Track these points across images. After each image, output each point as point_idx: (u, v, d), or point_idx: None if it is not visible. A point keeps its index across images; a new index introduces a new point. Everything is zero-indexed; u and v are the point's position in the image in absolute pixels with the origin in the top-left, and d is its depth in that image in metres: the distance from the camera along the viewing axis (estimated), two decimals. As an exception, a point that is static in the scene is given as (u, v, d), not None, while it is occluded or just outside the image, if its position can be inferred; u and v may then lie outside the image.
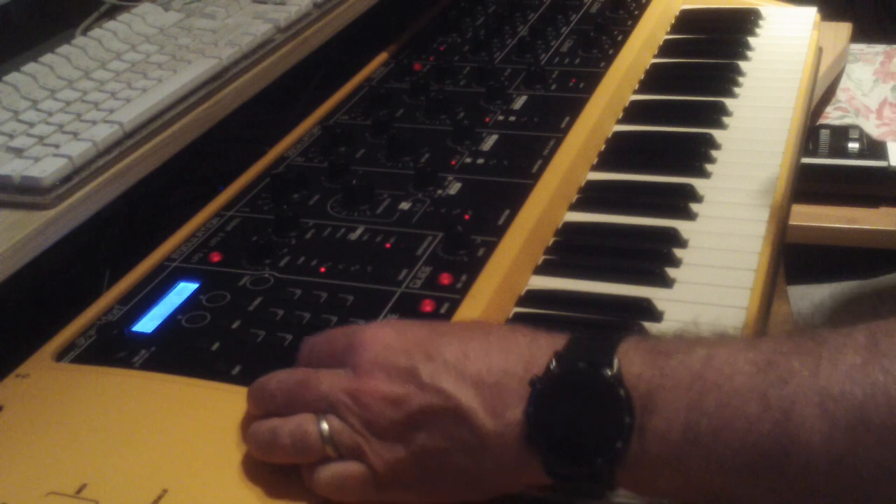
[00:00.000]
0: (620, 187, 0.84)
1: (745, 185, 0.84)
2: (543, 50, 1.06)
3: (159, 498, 0.51)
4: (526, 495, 0.53)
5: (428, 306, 0.65)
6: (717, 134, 0.92)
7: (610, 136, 0.93)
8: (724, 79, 1.02)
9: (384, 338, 0.53)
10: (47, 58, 0.86)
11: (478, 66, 1.01)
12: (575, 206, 0.82)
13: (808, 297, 1.28)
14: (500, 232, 0.73)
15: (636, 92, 1.02)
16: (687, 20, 1.19)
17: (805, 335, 0.48)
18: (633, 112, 0.97)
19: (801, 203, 1.27)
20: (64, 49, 0.88)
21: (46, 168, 0.71)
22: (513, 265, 0.70)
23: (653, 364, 0.48)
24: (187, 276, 0.71)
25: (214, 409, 0.58)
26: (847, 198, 1.28)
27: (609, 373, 0.48)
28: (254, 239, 0.73)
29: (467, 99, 0.96)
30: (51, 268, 0.62)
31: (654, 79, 1.04)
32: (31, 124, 0.77)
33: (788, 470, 0.45)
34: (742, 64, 1.06)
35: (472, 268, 0.69)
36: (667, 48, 1.12)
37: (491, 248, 0.71)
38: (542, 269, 0.74)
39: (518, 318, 0.69)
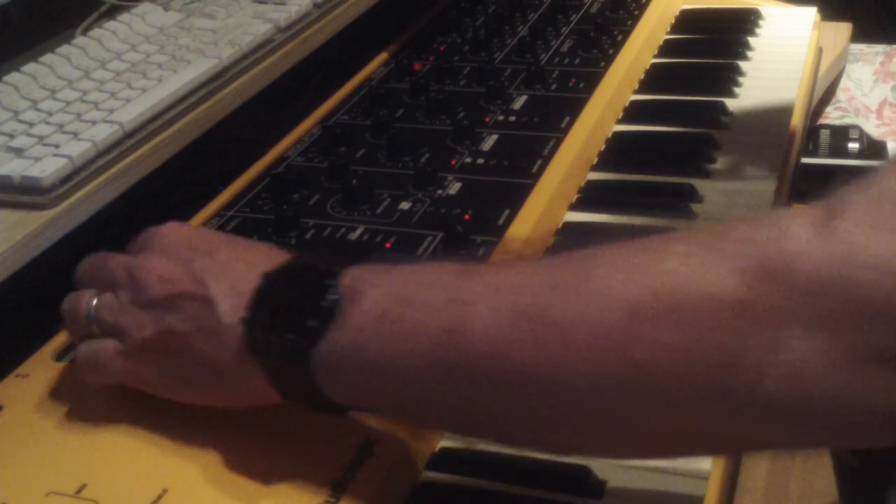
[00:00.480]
0: (620, 187, 0.84)
1: (745, 186, 0.84)
2: (543, 50, 1.06)
3: (159, 498, 0.51)
4: (525, 495, 0.53)
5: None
6: (717, 134, 0.92)
7: (610, 136, 0.93)
8: (724, 79, 1.02)
9: (178, 229, 0.58)
10: (47, 58, 0.86)
11: (478, 66, 1.01)
12: (575, 206, 0.82)
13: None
14: (500, 232, 0.73)
15: (636, 92, 1.02)
16: (687, 20, 1.19)
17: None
18: (633, 112, 0.97)
19: (802, 203, 1.27)
20: (64, 49, 0.88)
21: (46, 168, 0.71)
22: (513, 265, 0.70)
23: (375, 269, 0.51)
24: (187, 276, 0.71)
25: (214, 409, 0.58)
26: (847, 198, 1.27)
27: (324, 267, 0.51)
28: (254, 239, 0.73)
29: (467, 99, 0.96)
30: (51, 268, 0.62)
31: (654, 79, 1.04)
32: (31, 124, 0.77)
33: (457, 357, 0.46)
34: (742, 64, 1.06)
35: (472, 268, 0.69)
36: (667, 48, 1.12)
37: (491, 248, 0.71)
38: (542, 269, 0.74)
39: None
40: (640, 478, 0.55)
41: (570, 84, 0.98)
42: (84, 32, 0.94)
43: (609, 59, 1.02)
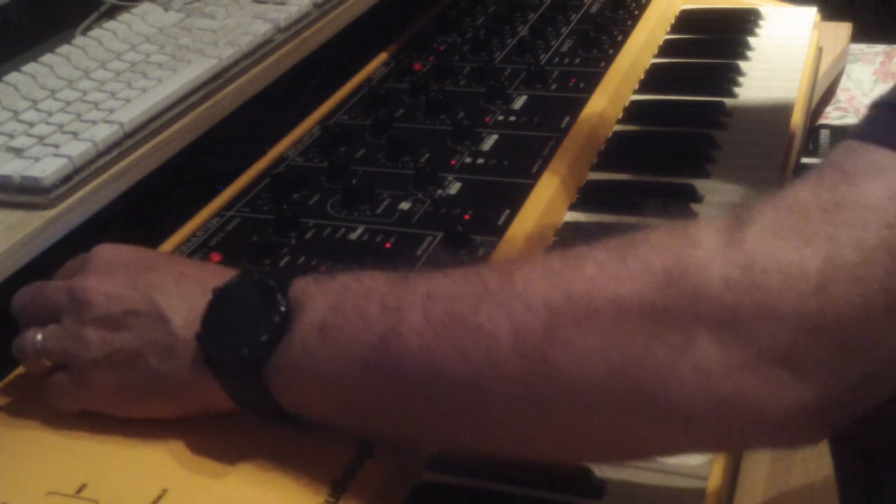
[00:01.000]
0: (620, 187, 0.84)
1: (745, 186, 0.84)
2: (543, 50, 1.06)
3: (159, 498, 0.51)
4: (525, 495, 0.53)
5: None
6: (717, 134, 0.92)
7: (610, 136, 0.93)
8: (724, 79, 1.02)
9: (113, 249, 0.58)
10: (47, 58, 0.86)
11: (478, 66, 1.01)
12: (575, 206, 0.82)
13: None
14: (500, 232, 0.73)
15: (636, 92, 1.02)
16: (687, 20, 1.19)
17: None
18: (633, 112, 0.97)
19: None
20: (64, 49, 0.88)
21: (46, 168, 0.71)
22: (513, 265, 0.70)
23: (318, 280, 0.53)
24: (187, 276, 0.71)
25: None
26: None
27: (273, 282, 0.52)
28: (254, 239, 0.73)
29: (467, 99, 0.96)
30: (51, 268, 0.62)
31: (654, 79, 1.04)
32: (31, 124, 0.77)
33: (390, 363, 0.48)
34: (742, 64, 1.06)
35: (472, 268, 0.69)
36: (667, 48, 1.12)
37: (491, 248, 0.71)
38: (542, 269, 0.74)
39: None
40: (640, 478, 0.55)
41: (570, 84, 0.98)
42: (84, 32, 0.94)
43: (609, 59, 1.02)
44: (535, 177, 0.81)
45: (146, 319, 0.54)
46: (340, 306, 0.50)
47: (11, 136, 0.76)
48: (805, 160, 1.00)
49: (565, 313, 0.44)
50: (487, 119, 0.92)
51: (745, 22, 1.16)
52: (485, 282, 0.47)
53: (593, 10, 1.16)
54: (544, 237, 0.77)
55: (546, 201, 0.78)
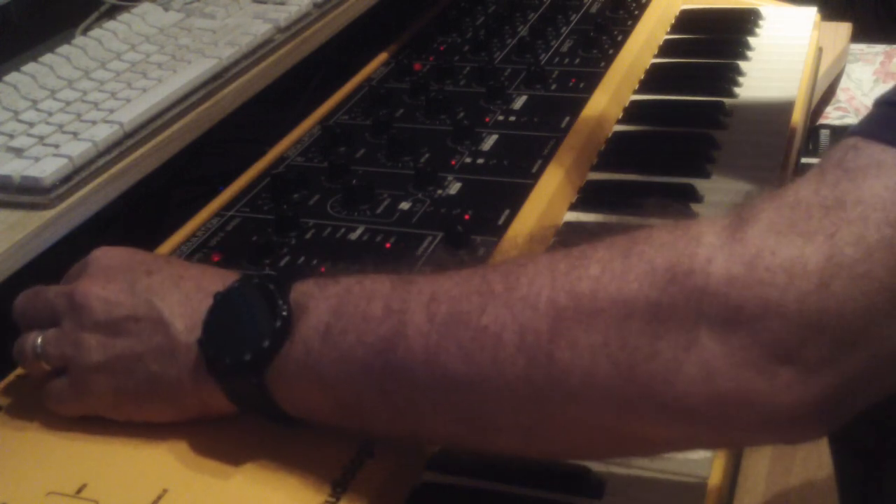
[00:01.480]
0: (620, 187, 0.84)
1: (745, 186, 0.84)
2: (543, 50, 1.06)
3: (159, 498, 0.51)
4: (525, 495, 0.53)
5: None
6: (717, 134, 0.92)
7: (610, 136, 0.93)
8: (724, 79, 1.02)
9: (111, 252, 0.58)
10: (47, 58, 0.86)
11: (478, 66, 1.01)
12: (575, 206, 0.82)
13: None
14: (500, 232, 0.73)
15: (636, 92, 1.02)
16: (687, 20, 1.19)
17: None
18: (633, 112, 0.97)
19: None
20: (64, 49, 0.88)
21: (46, 168, 0.71)
22: (513, 265, 0.70)
23: (319, 283, 0.53)
24: (187, 276, 0.71)
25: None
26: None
27: (274, 286, 0.52)
28: (254, 239, 0.73)
29: (467, 99, 0.96)
30: (51, 268, 0.62)
31: (654, 79, 1.04)
32: (31, 124, 0.77)
33: (394, 365, 0.48)
34: (742, 64, 1.06)
35: (472, 268, 0.69)
36: (667, 48, 1.12)
37: (491, 248, 0.71)
38: (542, 269, 0.74)
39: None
40: (640, 478, 0.55)
41: (570, 84, 0.98)
42: (84, 32, 0.94)
43: (609, 59, 1.02)
44: (535, 177, 0.81)
45: (146, 324, 0.54)
46: (343, 309, 0.50)
47: (11, 136, 0.76)
48: (805, 160, 1.00)
49: (570, 313, 0.44)
50: (487, 119, 0.92)
51: (745, 22, 1.16)
52: (489, 283, 0.47)
53: (593, 10, 1.16)
54: (544, 237, 0.77)
55: (546, 201, 0.78)
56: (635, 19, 1.12)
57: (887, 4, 2.08)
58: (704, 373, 0.42)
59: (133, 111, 0.78)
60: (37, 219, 0.69)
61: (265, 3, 0.98)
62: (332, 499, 0.51)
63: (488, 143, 0.87)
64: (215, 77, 0.86)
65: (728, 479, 0.57)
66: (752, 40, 1.12)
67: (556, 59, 1.04)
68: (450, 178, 0.82)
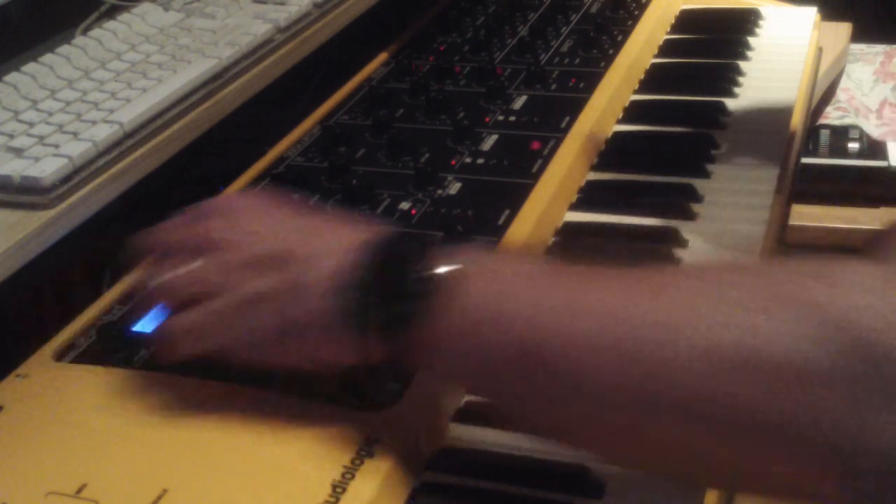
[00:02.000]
0: (620, 187, 0.84)
1: (745, 186, 0.84)
2: (543, 50, 1.06)
3: (159, 498, 0.51)
4: (525, 495, 0.53)
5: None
6: (717, 134, 0.92)
7: (610, 136, 0.93)
8: (724, 79, 1.02)
9: (253, 195, 0.60)
10: (47, 58, 0.86)
11: (478, 66, 1.01)
12: (575, 206, 0.82)
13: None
14: (500, 232, 0.73)
15: (636, 92, 1.02)
16: (687, 20, 1.19)
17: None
18: (633, 112, 0.97)
19: (801, 203, 1.27)
20: (64, 49, 0.88)
21: (46, 168, 0.71)
22: (513, 265, 0.70)
23: (481, 259, 0.52)
24: (187, 276, 0.71)
25: (215, 409, 0.58)
26: (847, 198, 1.28)
27: (423, 244, 0.51)
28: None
29: (467, 99, 0.96)
30: (51, 268, 0.62)
31: (654, 79, 1.04)
32: (31, 124, 0.77)
33: (540, 366, 0.47)
34: (742, 64, 1.06)
35: (472, 268, 0.69)
36: (667, 48, 1.12)
37: (491, 248, 0.71)
38: (542, 269, 0.74)
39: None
40: (640, 478, 0.55)
41: (570, 84, 0.98)
42: (84, 32, 0.94)
43: (609, 59, 1.02)
44: (535, 177, 0.81)
45: (283, 262, 0.52)
46: (505, 295, 0.49)
47: (11, 136, 0.76)
48: (805, 160, 1.00)
49: (729, 365, 0.43)
50: (487, 119, 0.92)
51: (745, 22, 1.16)
52: (658, 311, 0.46)
53: (593, 10, 1.16)
54: (544, 237, 0.77)
55: (546, 201, 0.78)
56: (635, 19, 1.12)
57: (887, 4, 2.08)
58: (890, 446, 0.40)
59: (133, 111, 0.78)
60: (37, 219, 0.69)
61: (265, 3, 0.98)
62: (331, 499, 0.51)
63: (488, 143, 0.87)
64: (215, 77, 0.86)
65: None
66: (752, 40, 1.12)
67: (556, 59, 1.04)
68: (450, 178, 0.82)
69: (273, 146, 0.89)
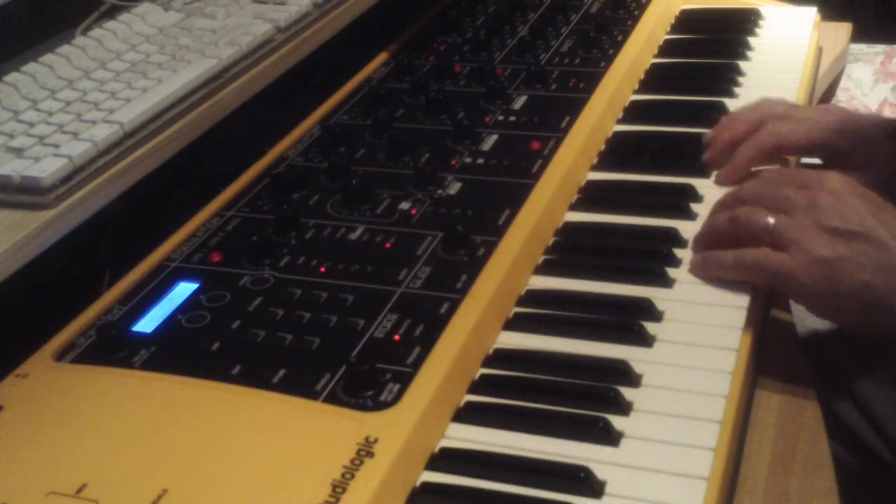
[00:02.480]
0: (620, 187, 0.84)
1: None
2: (543, 50, 1.06)
3: (159, 498, 0.51)
4: (525, 495, 0.53)
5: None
6: (717, 134, 0.92)
7: (610, 136, 0.93)
8: (724, 79, 1.02)
9: (851, 182, 0.69)
10: (47, 58, 0.86)
11: (478, 66, 1.01)
12: (575, 206, 0.82)
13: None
14: (500, 232, 0.73)
15: (636, 92, 1.02)
16: (687, 20, 1.19)
17: None
18: (633, 112, 0.97)
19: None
20: (64, 49, 0.88)
21: (46, 168, 0.71)
22: (513, 265, 0.70)
23: None
24: (187, 276, 0.71)
25: (214, 409, 0.58)
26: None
27: None
28: (254, 239, 0.73)
29: (467, 99, 0.96)
30: (51, 268, 0.62)
31: (654, 79, 1.04)
32: (31, 124, 0.77)
33: None
34: (742, 64, 1.06)
35: (472, 268, 0.69)
36: (667, 48, 1.12)
37: (491, 248, 0.71)
38: (542, 269, 0.74)
39: (518, 318, 0.69)
40: (640, 478, 0.55)
41: (570, 84, 0.98)
42: (84, 32, 0.94)
43: (609, 59, 1.02)
44: (535, 177, 0.81)
45: (868, 243, 0.64)
46: None
47: (11, 136, 0.76)
48: (805, 160, 1.00)
49: None
50: (487, 119, 0.92)
51: (745, 22, 1.16)
52: None
53: (593, 10, 1.16)
54: (544, 237, 0.77)
55: (546, 201, 0.78)
56: (635, 19, 1.12)
57: (887, 4, 2.08)
58: None
59: (133, 111, 0.78)
60: (37, 219, 0.69)
61: (265, 3, 0.98)
62: (331, 499, 0.51)
63: (488, 143, 0.87)
64: (215, 77, 0.86)
65: (728, 479, 0.57)
66: (752, 40, 1.12)
67: (556, 59, 1.04)
68: (450, 178, 0.82)
69: (273, 146, 0.89)
